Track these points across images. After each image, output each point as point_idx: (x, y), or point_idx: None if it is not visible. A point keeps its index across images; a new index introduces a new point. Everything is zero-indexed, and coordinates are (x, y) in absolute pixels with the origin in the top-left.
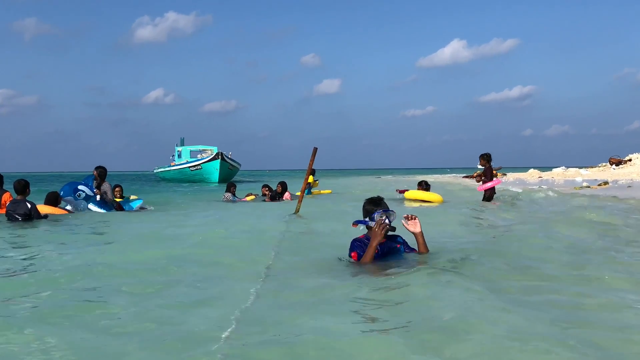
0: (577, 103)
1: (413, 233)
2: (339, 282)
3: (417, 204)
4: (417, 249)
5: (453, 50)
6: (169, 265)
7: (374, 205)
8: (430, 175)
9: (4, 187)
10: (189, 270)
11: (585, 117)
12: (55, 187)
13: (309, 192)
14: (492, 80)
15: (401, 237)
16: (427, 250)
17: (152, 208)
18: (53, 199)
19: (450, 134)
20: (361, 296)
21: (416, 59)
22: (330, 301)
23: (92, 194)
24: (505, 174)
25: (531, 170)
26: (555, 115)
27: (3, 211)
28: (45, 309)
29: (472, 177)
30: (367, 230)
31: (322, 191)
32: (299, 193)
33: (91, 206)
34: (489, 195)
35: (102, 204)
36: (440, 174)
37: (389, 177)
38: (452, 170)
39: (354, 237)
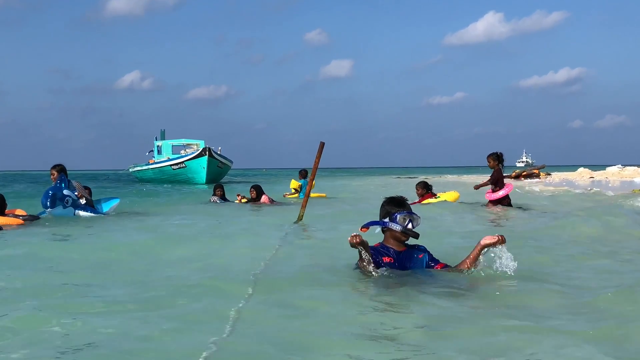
0: (636, 88)
1: (483, 244)
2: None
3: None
4: (449, 265)
5: (487, 25)
6: (147, 278)
7: (395, 205)
8: (460, 175)
9: None
10: (168, 289)
11: None
12: (11, 188)
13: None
14: (534, 61)
15: (424, 247)
16: (469, 267)
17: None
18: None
19: (483, 125)
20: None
21: (442, 36)
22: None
23: (76, 197)
24: (550, 174)
25: (580, 169)
26: (609, 103)
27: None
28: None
29: (510, 177)
30: (382, 236)
31: (315, 194)
32: (290, 196)
33: (81, 213)
34: (507, 203)
35: (90, 208)
36: (472, 173)
37: (412, 177)
38: (485, 169)
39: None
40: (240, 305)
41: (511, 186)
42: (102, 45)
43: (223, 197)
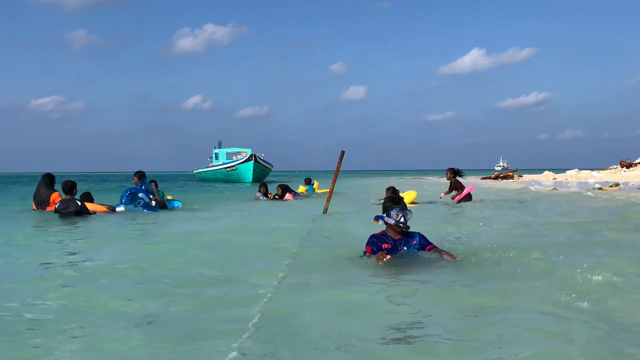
0: (590, 108)
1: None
2: (351, 281)
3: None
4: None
5: (473, 58)
6: (194, 261)
7: (392, 202)
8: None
9: (54, 187)
10: (214, 267)
11: (597, 122)
12: (101, 187)
13: (312, 191)
14: (510, 87)
15: (418, 232)
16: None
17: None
18: (87, 198)
19: (469, 137)
20: (376, 295)
21: (437, 66)
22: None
23: (149, 200)
24: (522, 176)
25: (546, 172)
26: (569, 119)
27: (51, 208)
28: (75, 304)
29: (490, 178)
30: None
31: (323, 190)
32: (319, 191)
33: (145, 211)
34: (467, 200)
35: (157, 208)
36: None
37: (412, 177)
38: (472, 172)
39: (373, 233)
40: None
41: (472, 187)
42: (172, 75)
43: (265, 194)
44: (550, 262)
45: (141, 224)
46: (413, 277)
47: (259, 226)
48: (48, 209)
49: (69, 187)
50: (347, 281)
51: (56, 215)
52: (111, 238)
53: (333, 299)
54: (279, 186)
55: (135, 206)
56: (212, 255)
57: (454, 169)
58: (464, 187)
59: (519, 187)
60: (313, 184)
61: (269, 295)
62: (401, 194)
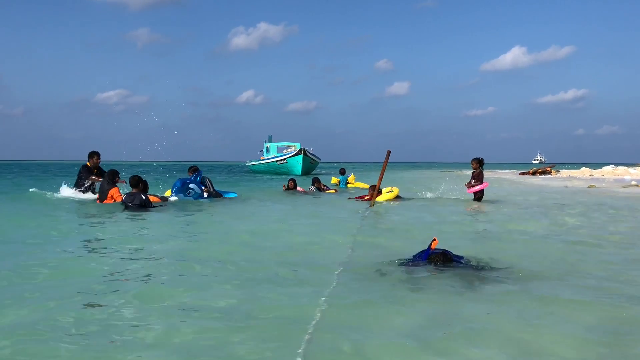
0: (628, 105)
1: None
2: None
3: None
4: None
5: (514, 56)
6: (253, 255)
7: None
8: (488, 171)
9: (116, 183)
10: (279, 258)
11: (634, 118)
12: (159, 174)
13: (344, 186)
14: (549, 83)
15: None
16: None
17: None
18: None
19: (508, 132)
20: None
21: (479, 63)
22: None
23: (200, 191)
24: (559, 171)
25: (583, 168)
26: (606, 116)
27: (108, 202)
28: (147, 289)
29: (528, 173)
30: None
31: (358, 184)
32: (361, 185)
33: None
34: (479, 197)
35: (209, 200)
36: (498, 169)
37: (450, 171)
38: (509, 165)
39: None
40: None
41: (487, 184)
42: (226, 71)
43: (319, 188)
44: None
45: (194, 215)
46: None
47: (317, 217)
48: (105, 202)
49: (135, 182)
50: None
51: (121, 207)
52: (173, 230)
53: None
54: (290, 180)
55: (186, 196)
56: (275, 246)
57: (480, 159)
58: (483, 181)
59: (569, 185)
60: (347, 176)
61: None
62: (384, 191)
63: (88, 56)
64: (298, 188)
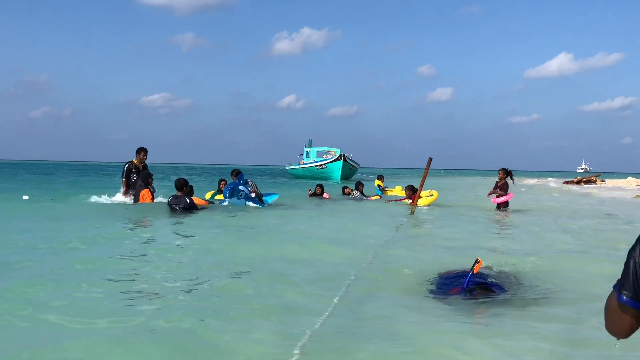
0: None
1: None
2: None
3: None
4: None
5: (560, 62)
6: (281, 257)
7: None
8: (532, 179)
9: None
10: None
11: None
12: (202, 178)
13: (380, 193)
14: (596, 90)
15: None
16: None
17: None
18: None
19: (552, 140)
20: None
21: (524, 69)
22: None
23: (249, 192)
24: (604, 180)
25: (629, 177)
26: None
27: (142, 201)
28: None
29: (573, 182)
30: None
31: (392, 190)
32: (391, 191)
33: (250, 204)
34: (503, 207)
35: (257, 200)
36: (541, 177)
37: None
38: (552, 174)
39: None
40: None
41: (511, 195)
42: (269, 75)
43: (362, 193)
44: None
45: (232, 218)
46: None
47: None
48: (139, 201)
49: (180, 185)
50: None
51: (167, 209)
52: (221, 234)
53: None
54: (318, 185)
55: (239, 199)
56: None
57: (507, 169)
58: (508, 192)
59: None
60: (388, 187)
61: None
62: (422, 195)
63: (134, 59)
64: (325, 195)
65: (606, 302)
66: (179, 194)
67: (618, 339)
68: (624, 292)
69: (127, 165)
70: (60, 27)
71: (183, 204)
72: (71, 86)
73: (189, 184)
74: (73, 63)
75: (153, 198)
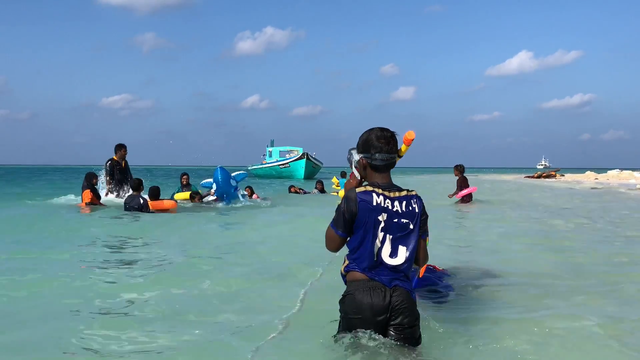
0: (634, 109)
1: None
2: None
3: None
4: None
5: (520, 60)
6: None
7: None
8: (493, 175)
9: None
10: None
11: None
12: (163, 179)
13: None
14: (555, 88)
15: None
16: None
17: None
18: (155, 193)
19: (513, 136)
20: None
21: (485, 68)
22: None
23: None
24: (563, 175)
25: (588, 172)
26: (612, 120)
27: (84, 202)
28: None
29: (533, 177)
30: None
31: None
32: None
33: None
34: (467, 201)
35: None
36: (505, 173)
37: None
38: (513, 170)
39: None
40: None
41: (475, 188)
42: (232, 76)
43: (322, 190)
44: None
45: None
46: None
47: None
48: (82, 203)
49: (136, 185)
50: None
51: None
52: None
53: None
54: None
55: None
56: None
57: (461, 165)
58: (468, 186)
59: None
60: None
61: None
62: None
63: (93, 60)
64: (254, 195)
65: (327, 233)
66: (134, 193)
67: (333, 252)
68: (339, 228)
69: (109, 163)
70: (17, 29)
71: (137, 203)
72: (29, 89)
73: (156, 186)
74: (31, 65)
75: (98, 198)
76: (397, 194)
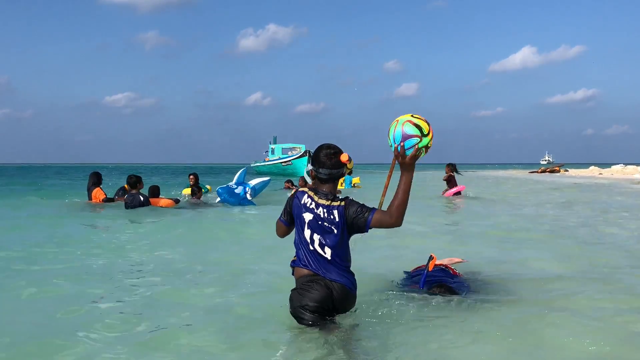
0: (637, 104)
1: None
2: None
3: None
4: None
5: (523, 56)
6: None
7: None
8: (497, 171)
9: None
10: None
11: None
12: (164, 178)
13: (349, 186)
14: (559, 83)
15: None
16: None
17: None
18: (155, 192)
19: (517, 132)
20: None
21: (488, 64)
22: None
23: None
24: (567, 170)
25: (591, 167)
26: (616, 115)
27: (94, 201)
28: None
29: (537, 172)
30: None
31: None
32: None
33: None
34: (455, 196)
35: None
36: (506, 169)
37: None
38: (517, 166)
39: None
40: None
41: (463, 187)
42: (235, 73)
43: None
44: None
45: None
46: None
47: None
48: (92, 201)
49: (134, 182)
50: None
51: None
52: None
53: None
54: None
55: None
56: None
57: (452, 164)
58: (456, 185)
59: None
60: (352, 177)
61: None
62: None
63: (96, 59)
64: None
65: (277, 223)
66: (132, 191)
67: (280, 237)
68: (282, 217)
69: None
70: (20, 28)
71: (137, 201)
72: (32, 88)
73: (156, 185)
74: (33, 64)
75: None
76: (323, 201)
